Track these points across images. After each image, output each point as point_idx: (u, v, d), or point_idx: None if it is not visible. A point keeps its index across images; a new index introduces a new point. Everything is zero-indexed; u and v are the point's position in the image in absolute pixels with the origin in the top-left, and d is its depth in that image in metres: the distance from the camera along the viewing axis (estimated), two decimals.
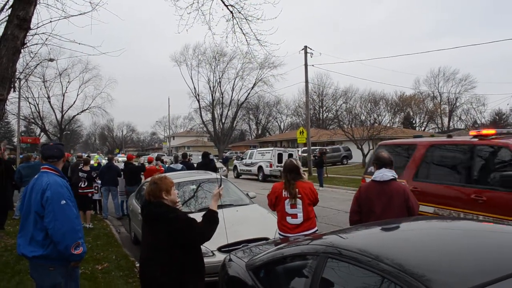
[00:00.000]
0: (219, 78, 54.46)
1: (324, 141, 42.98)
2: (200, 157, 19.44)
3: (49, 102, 54.35)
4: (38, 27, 7.24)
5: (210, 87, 54.81)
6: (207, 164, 12.39)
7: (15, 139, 41.10)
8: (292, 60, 66.09)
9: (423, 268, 2.18)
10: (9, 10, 6.06)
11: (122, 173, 12.32)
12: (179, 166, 12.18)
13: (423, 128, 68.77)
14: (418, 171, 6.90)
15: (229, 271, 3.90)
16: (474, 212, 5.65)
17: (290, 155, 24.80)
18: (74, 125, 71.59)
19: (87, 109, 57.23)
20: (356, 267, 2.41)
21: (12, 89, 6.22)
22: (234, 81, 54.36)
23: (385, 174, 4.39)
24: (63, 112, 57.06)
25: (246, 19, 10.07)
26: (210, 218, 3.52)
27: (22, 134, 53.53)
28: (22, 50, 6.29)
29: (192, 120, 66.75)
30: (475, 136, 6.18)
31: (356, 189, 5.46)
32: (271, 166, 24.59)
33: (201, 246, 5.57)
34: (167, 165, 13.57)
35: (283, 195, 4.90)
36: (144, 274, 3.49)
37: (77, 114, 58.75)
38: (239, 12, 9.90)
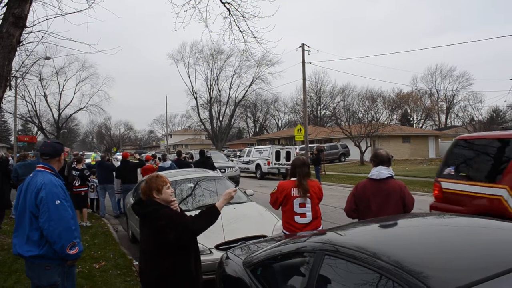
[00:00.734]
0: (217, 76, 54.40)
1: (321, 138, 43.03)
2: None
3: (46, 100, 54.15)
4: (34, 25, 7.22)
5: (207, 85, 54.74)
6: (204, 162, 12.37)
7: (12, 138, 40.92)
8: (290, 58, 66.32)
9: (420, 265, 2.18)
10: (4, 8, 6.02)
11: (117, 170, 12.27)
12: (168, 164, 12.20)
13: (420, 125, 68.87)
14: None
15: (226, 269, 3.89)
16: None
17: (288, 153, 24.79)
18: (71, 124, 71.30)
19: (84, 107, 56.99)
20: (353, 264, 2.40)
21: (8, 88, 6.19)
22: (232, 79, 54.31)
23: (382, 172, 4.38)
24: (60, 111, 56.79)
25: (243, 17, 10.04)
26: (208, 212, 3.46)
27: (19, 133, 53.42)
28: (18, 48, 6.25)
29: (189, 118, 66.69)
30: None
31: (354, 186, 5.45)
32: (268, 163, 24.58)
33: (199, 244, 5.62)
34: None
35: (292, 194, 4.81)
36: (140, 270, 3.57)
37: (74, 112, 58.53)
38: (236, 10, 9.87)
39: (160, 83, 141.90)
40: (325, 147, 34.66)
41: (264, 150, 25.98)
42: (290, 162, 20.81)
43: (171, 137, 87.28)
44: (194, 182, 7.81)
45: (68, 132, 71.39)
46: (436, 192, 6.99)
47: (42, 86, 51.73)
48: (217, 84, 54.77)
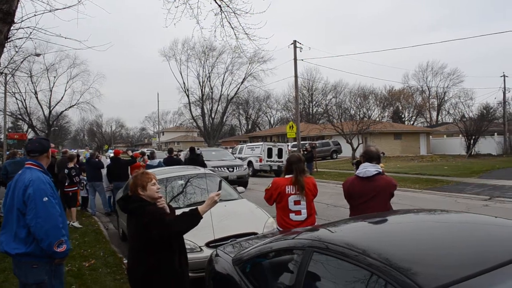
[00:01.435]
0: (209, 73, 54.32)
1: (313, 135, 43.09)
2: (213, 152, 19.23)
3: (36, 97, 53.74)
4: (22, 21, 7.11)
5: (199, 82, 54.64)
6: (194, 159, 12.34)
7: (2, 136, 40.51)
8: (282, 55, 66.27)
9: (409, 261, 2.18)
10: None
11: (107, 168, 12.18)
12: (156, 162, 12.18)
13: (412, 122, 69.19)
14: None
15: (216, 266, 3.87)
16: None
17: (280, 150, 24.78)
18: (62, 121, 70.75)
19: (75, 104, 56.56)
20: (342, 261, 2.39)
21: None
22: (224, 76, 54.26)
23: (368, 169, 4.37)
24: (51, 108, 56.44)
25: (234, 13, 9.98)
26: (189, 214, 3.42)
27: (9, 130, 52.92)
28: (6, 44, 6.17)
29: (181, 115, 66.53)
30: None
31: None
32: (260, 161, 24.57)
33: (189, 241, 5.60)
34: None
35: (287, 192, 4.79)
36: (128, 267, 3.59)
37: (65, 109, 58.13)
38: (228, 6, 9.80)
39: (152, 80, 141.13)
40: (317, 144, 34.69)
41: (256, 148, 25.96)
42: (282, 159, 20.47)
43: (163, 134, 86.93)
44: (184, 180, 7.77)
45: (59, 130, 70.88)
46: None
47: (32, 83, 51.37)
48: (209, 81, 54.76)
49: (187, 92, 54.13)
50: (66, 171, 10.43)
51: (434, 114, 73.72)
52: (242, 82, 53.45)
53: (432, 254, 2.29)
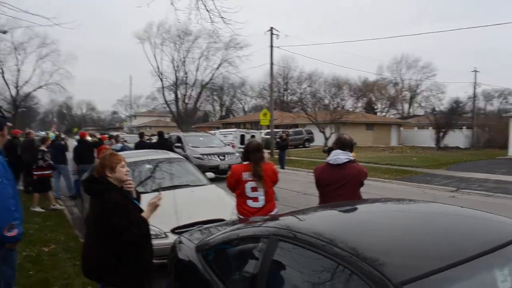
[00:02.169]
0: (184, 58, 53.51)
1: (287, 123, 43.12)
2: (201, 138, 18.37)
3: (3, 77, 51.82)
4: None
5: (174, 66, 53.79)
6: (162, 143, 12.12)
7: None
8: (258, 42, 65.57)
9: (377, 252, 2.08)
10: None
11: (73, 151, 11.78)
12: (119, 146, 11.94)
13: (384, 114, 70.10)
14: None
15: (179, 254, 3.72)
16: None
17: (253, 137, 24.67)
18: (31, 102, 68.63)
19: (44, 85, 54.90)
20: (307, 250, 2.27)
21: None
22: (199, 61, 53.55)
23: (339, 157, 4.28)
24: (18, 88, 54.58)
25: None
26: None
27: None
28: None
29: (154, 100, 65.67)
30: None
31: None
32: (233, 147, 24.40)
33: (154, 227, 5.43)
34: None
35: (243, 178, 4.70)
36: (84, 254, 3.39)
37: (33, 90, 56.31)
38: None
39: (126, 63, 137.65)
40: (290, 132, 34.73)
41: (229, 134, 25.77)
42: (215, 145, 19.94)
43: (135, 118, 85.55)
44: (152, 164, 7.53)
45: (27, 111, 68.76)
46: None
47: None
48: (184, 66, 54.00)
49: (161, 76, 53.33)
50: (40, 154, 9.87)
51: (406, 106, 74.86)
52: (217, 68, 52.98)
53: (401, 244, 2.21)
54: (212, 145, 17.61)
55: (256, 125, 46.99)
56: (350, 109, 39.02)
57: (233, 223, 4.15)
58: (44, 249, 6.44)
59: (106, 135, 15.14)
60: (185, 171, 7.69)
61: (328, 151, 4.53)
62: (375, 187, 13.55)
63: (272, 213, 4.69)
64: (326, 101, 38.19)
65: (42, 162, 9.77)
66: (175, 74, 53.83)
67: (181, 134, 18.90)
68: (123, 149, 11.54)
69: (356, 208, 3.17)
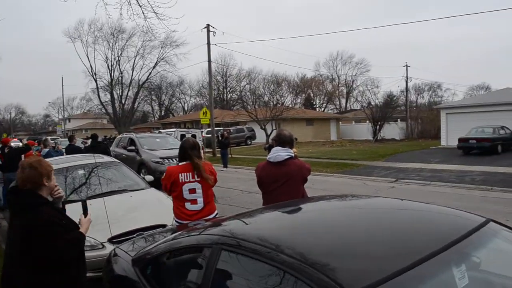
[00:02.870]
0: (118, 56, 51.68)
1: (228, 121, 42.90)
2: (157, 139, 16.15)
3: None
4: None
5: (108, 66, 51.81)
6: (94, 146, 11.48)
7: None
8: (196, 39, 64.83)
9: (328, 256, 1.92)
10: None
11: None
12: (45, 151, 11.26)
13: (322, 109, 71.71)
14: None
15: (115, 267, 3.37)
16: None
17: (194, 136, 24.18)
18: None
19: None
20: (252, 259, 2.06)
21: None
22: (134, 60, 51.92)
23: (279, 154, 4.10)
24: None
25: None
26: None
27: None
28: None
29: (90, 101, 63.19)
30: None
31: None
32: None
33: (89, 238, 5.00)
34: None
35: (180, 180, 4.41)
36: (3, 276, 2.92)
37: None
38: None
39: (56, 63, 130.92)
40: (231, 130, 34.53)
41: (168, 134, 25.11)
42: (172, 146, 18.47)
43: (69, 121, 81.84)
44: (85, 169, 7.00)
45: None
46: None
47: None
48: (119, 65, 52.20)
49: (94, 77, 51.19)
50: None
51: (344, 101, 77.09)
52: (154, 67, 51.65)
53: (354, 245, 2.05)
54: (170, 147, 15.23)
55: (197, 124, 46.41)
56: (290, 106, 39.36)
57: (173, 229, 3.86)
58: None
59: (35, 140, 14.09)
60: (122, 175, 7.24)
61: (269, 148, 4.33)
62: (318, 182, 13.66)
63: (212, 215, 4.44)
64: (266, 98, 38.33)
65: None
66: (110, 74, 51.94)
67: (133, 135, 16.24)
68: (48, 154, 10.74)
69: (301, 208, 3.00)
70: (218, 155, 23.06)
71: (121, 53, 51.57)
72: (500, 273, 2.18)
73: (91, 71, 50.94)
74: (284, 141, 4.16)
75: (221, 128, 36.13)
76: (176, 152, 13.85)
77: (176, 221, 4.62)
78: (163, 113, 79.03)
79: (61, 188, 6.31)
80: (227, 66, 69.52)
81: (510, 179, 12.61)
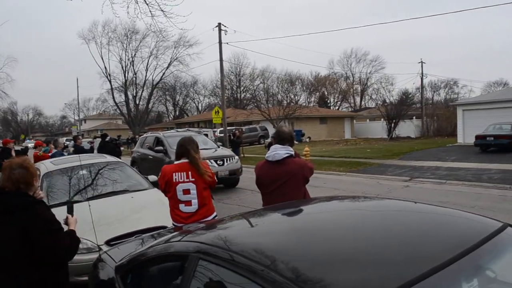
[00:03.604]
0: (132, 57, 52.06)
1: (240, 121, 42.75)
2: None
3: None
4: None
5: (122, 67, 52.22)
6: (102, 146, 11.36)
7: None
8: (208, 39, 64.87)
9: (331, 274, 1.61)
10: None
11: None
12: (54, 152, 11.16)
13: (337, 107, 71.15)
14: None
15: (100, 274, 3.14)
16: None
17: (206, 135, 24.00)
18: None
19: None
20: (232, 272, 1.77)
21: None
22: (148, 60, 52.22)
23: (278, 152, 3.79)
24: None
25: None
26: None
27: None
28: None
29: (105, 102, 63.73)
30: None
31: None
32: None
33: (86, 240, 4.80)
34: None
35: (174, 180, 4.16)
36: None
37: None
38: None
39: (72, 65, 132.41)
40: (244, 130, 34.32)
41: (200, 132, 24.91)
42: (207, 146, 17.40)
43: (85, 122, 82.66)
44: (85, 170, 6.79)
45: None
46: None
47: None
48: (133, 66, 52.59)
49: (109, 77, 51.67)
50: None
51: (358, 99, 76.35)
52: (167, 67, 51.85)
53: (349, 257, 1.75)
54: (203, 147, 12.88)
55: (210, 123, 46.39)
56: (304, 104, 39.07)
57: (164, 233, 3.63)
58: None
59: (45, 141, 14.03)
60: (124, 175, 7.03)
61: (269, 146, 4.05)
62: (330, 181, 13.38)
63: (209, 218, 4.18)
64: (279, 97, 38.09)
65: None
66: (124, 75, 52.34)
67: (160, 134, 14.51)
68: (55, 156, 10.65)
69: (299, 212, 2.68)
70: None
71: (135, 54, 51.95)
72: None
73: (106, 72, 51.43)
74: (283, 138, 3.87)
75: (234, 127, 35.99)
76: (210, 153, 12.68)
77: (173, 224, 4.40)
78: (177, 113, 79.26)
79: (62, 188, 6.27)
80: (240, 65, 69.40)
81: None
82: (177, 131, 16.59)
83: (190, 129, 25.59)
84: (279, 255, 1.80)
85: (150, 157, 13.30)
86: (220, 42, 27.12)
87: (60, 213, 3.13)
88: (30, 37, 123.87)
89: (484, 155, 18.66)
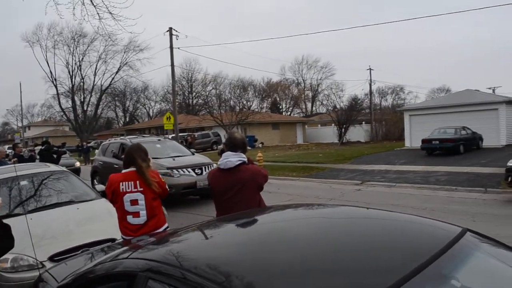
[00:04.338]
0: (79, 61, 50.37)
1: (193, 127, 42.32)
2: (157, 145, 12.91)
3: None
4: None
5: (69, 71, 50.37)
6: (43, 155, 10.82)
7: None
8: (160, 43, 63.89)
9: (281, 284, 1.53)
10: None
11: None
12: None
13: (289, 113, 71.97)
14: None
15: None
16: None
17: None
18: None
19: None
20: None
21: None
22: (97, 65, 50.71)
23: (230, 160, 3.64)
24: None
25: None
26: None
27: None
28: None
29: (50, 108, 61.24)
30: None
31: None
32: None
33: (26, 256, 4.47)
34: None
35: (121, 190, 3.93)
36: None
37: None
38: None
39: (14, 69, 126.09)
40: (197, 136, 33.97)
41: (167, 138, 24.18)
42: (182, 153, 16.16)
43: (29, 129, 78.99)
44: (28, 180, 6.37)
45: None
46: None
47: None
48: (80, 71, 50.91)
49: (55, 82, 49.69)
50: None
51: (309, 105, 77.63)
52: (117, 72, 50.58)
53: (298, 272, 1.62)
54: (176, 154, 12.45)
55: (161, 130, 45.60)
56: (256, 110, 39.25)
57: (119, 246, 3.40)
58: None
59: None
60: (69, 185, 6.65)
61: (221, 153, 3.89)
62: (283, 186, 13.39)
63: (160, 230, 3.97)
64: (232, 103, 38.03)
65: None
66: (71, 79, 50.50)
67: (127, 140, 12.91)
68: None
69: (256, 221, 2.54)
70: None
71: (82, 58, 50.37)
72: None
73: (51, 77, 49.50)
74: (235, 145, 3.72)
75: (186, 133, 35.54)
76: (185, 161, 11.65)
77: (122, 237, 4.15)
78: (127, 119, 77.41)
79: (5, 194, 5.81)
80: (192, 70, 68.77)
81: (473, 179, 12.65)
82: (143, 136, 15.53)
83: (157, 135, 24.99)
84: (234, 269, 1.68)
85: (115, 166, 11.88)
86: (171, 47, 26.75)
87: None
88: None
89: (431, 158, 19.36)
